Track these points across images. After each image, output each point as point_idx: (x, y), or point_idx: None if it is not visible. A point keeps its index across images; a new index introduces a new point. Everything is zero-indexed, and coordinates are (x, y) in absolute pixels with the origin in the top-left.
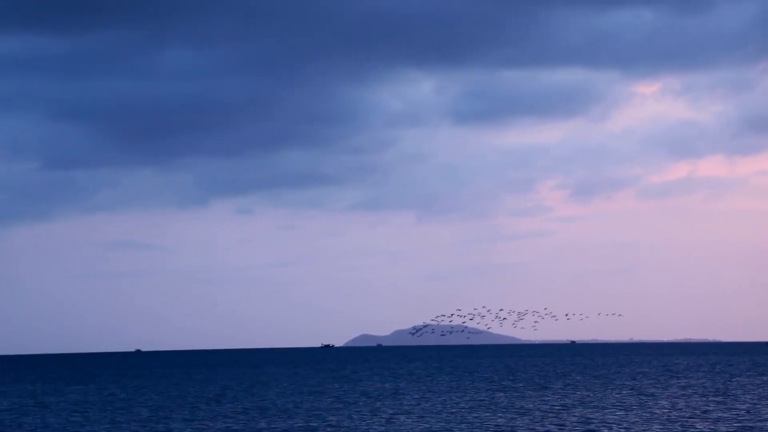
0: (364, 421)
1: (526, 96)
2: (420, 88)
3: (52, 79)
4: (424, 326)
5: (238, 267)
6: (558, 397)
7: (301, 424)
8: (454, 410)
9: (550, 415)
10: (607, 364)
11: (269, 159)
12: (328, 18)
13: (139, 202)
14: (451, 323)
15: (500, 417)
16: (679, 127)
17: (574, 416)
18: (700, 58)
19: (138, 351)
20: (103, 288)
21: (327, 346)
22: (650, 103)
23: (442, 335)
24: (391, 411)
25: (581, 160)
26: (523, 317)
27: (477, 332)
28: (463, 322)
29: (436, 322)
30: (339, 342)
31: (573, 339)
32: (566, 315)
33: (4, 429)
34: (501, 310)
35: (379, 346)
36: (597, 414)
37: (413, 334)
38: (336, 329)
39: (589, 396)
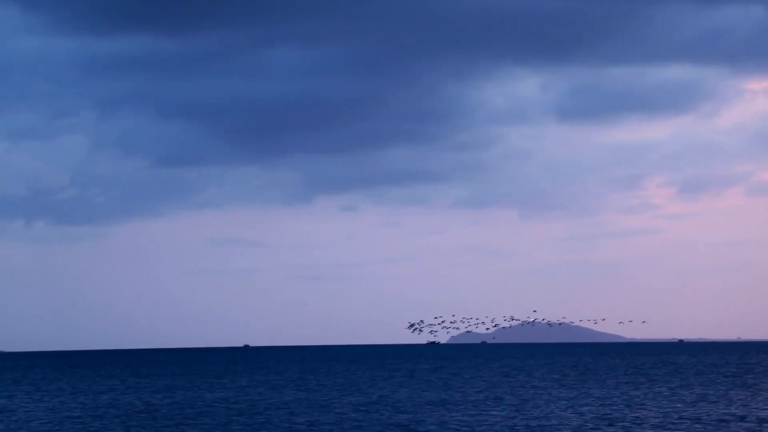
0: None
1: (633, 93)
2: (526, 86)
3: (162, 79)
4: (422, 325)
5: (343, 264)
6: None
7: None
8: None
9: None
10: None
11: (374, 157)
12: (434, 16)
13: (245, 200)
14: (444, 324)
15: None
16: None
17: None
18: None
19: (246, 346)
20: (210, 284)
21: (433, 343)
22: (760, 99)
23: (550, 326)
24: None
25: (689, 157)
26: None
27: (580, 329)
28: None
29: (437, 323)
30: (443, 339)
31: (680, 337)
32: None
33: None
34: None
35: (484, 343)
36: None
37: (412, 331)
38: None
39: None
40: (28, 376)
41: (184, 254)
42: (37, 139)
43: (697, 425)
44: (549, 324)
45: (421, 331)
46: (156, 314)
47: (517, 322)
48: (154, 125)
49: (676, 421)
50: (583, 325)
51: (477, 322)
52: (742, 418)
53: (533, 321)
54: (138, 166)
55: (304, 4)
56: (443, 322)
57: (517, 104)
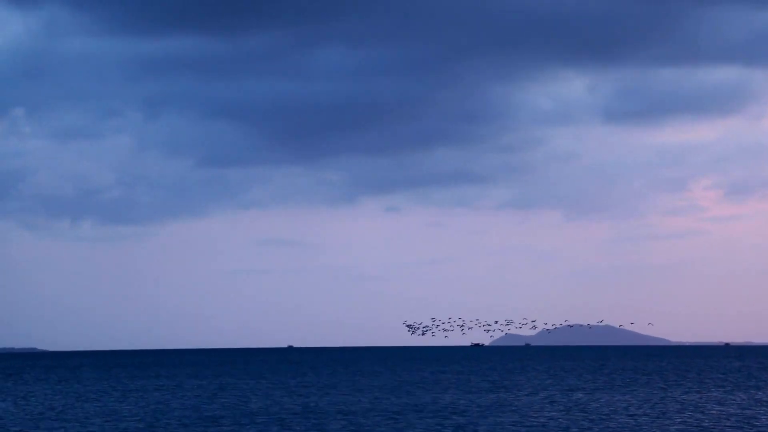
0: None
1: (681, 94)
2: (571, 87)
3: (208, 79)
4: (420, 325)
5: (387, 264)
6: None
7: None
8: None
9: None
10: None
11: (419, 157)
12: (481, 17)
13: (290, 200)
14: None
15: None
16: None
17: None
18: None
19: (290, 347)
20: (254, 284)
21: (477, 345)
22: None
23: (590, 327)
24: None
25: (737, 159)
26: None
27: (624, 332)
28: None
29: (434, 323)
30: (485, 341)
31: (726, 341)
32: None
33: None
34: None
35: (528, 345)
36: None
37: (411, 332)
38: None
39: None
40: (78, 376)
41: (229, 254)
42: (85, 139)
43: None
44: (590, 326)
45: (419, 331)
46: (200, 314)
47: (561, 324)
48: (200, 125)
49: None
50: (627, 327)
51: (477, 323)
52: None
53: (576, 324)
54: (184, 166)
55: (351, 4)
56: (441, 323)
57: (563, 105)
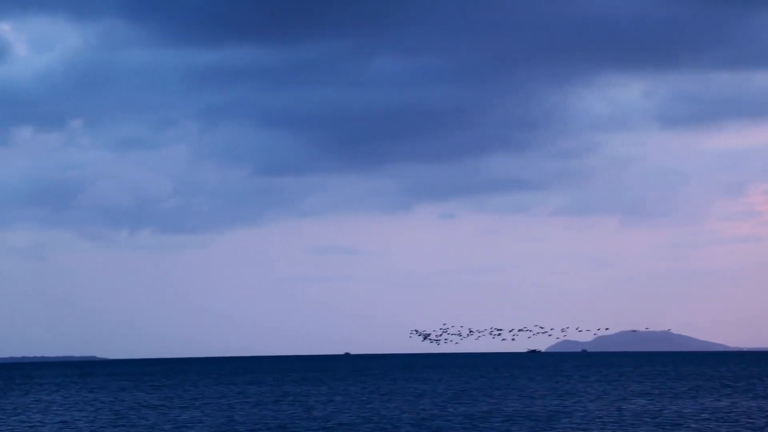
0: None
1: (738, 98)
2: (627, 92)
3: (264, 88)
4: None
5: (442, 271)
6: None
7: None
8: None
9: None
10: None
11: (474, 164)
12: (536, 24)
13: (345, 208)
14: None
15: None
16: None
17: None
18: None
19: (347, 354)
20: (310, 292)
21: (533, 351)
22: None
23: (647, 333)
24: None
25: None
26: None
27: (681, 337)
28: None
29: (443, 330)
30: (542, 347)
31: None
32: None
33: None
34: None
35: (584, 351)
36: None
37: (422, 340)
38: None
39: None
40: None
41: (284, 262)
42: (143, 150)
43: None
44: (647, 332)
45: (429, 339)
46: (256, 322)
47: (619, 330)
48: (256, 135)
49: None
50: (684, 333)
51: (489, 330)
52: None
53: (633, 329)
54: (240, 175)
55: (406, 13)
56: (448, 330)
57: (618, 111)
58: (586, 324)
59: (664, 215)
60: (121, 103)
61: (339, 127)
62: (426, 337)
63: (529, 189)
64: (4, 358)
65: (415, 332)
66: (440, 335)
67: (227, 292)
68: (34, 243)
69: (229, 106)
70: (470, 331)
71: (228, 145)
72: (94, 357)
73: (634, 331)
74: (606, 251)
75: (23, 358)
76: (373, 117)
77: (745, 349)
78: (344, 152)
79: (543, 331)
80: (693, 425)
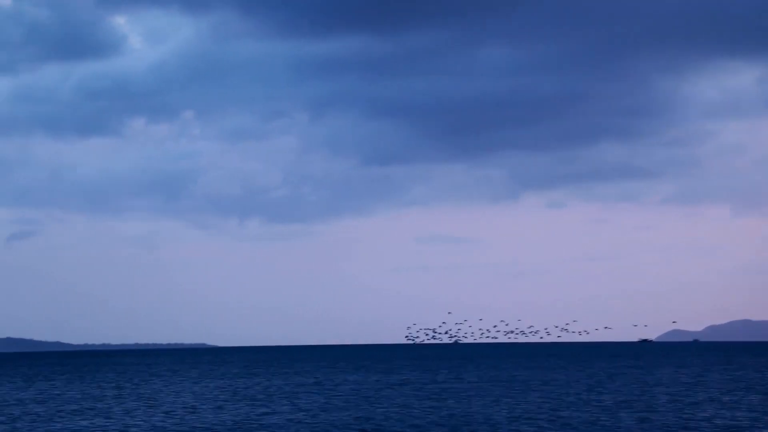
0: None
1: None
2: (741, 79)
3: (372, 78)
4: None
5: (550, 260)
6: None
7: None
8: None
9: None
10: None
11: (582, 153)
12: (644, 10)
13: (452, 197)
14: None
15: None
16: None
17: None
18: None
19: (456, 342)
20: (417, 280)
21: (644, 341)
22: None
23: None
24: None
25: None
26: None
27: None
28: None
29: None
30: (652, 336)
31: None
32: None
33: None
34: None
35: (696, 341)
36: None
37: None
38: (647, 323)
39: None
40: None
41: (391, 251)
42: (252, 140)
43: None
44: (760, 321)
45: (416, 339)
46: (363, 311)
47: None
48: (364, 125)
49: None
50: None
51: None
52: None
53: (744, 319)
54: (347, 165)
55: (513, 1)
56: (435, 330)
57: (731, 98)
58: (698, 314)
59: None
60: (231, 95)
61: (446, 117)
62: (414, 339)
63: (639, 177)
64: (117, 345)
65: (409, 335)
66: (420, 336)
67: (334, 281)
68: (146, 232)
69: (337, 97)
70: (447, 331)
71: (336, 136)
72: (204, 344)
73: (745, 320)
74: (716, 240)
75: (135, 344)
76: (480, 106)
77: None
78: (451, 141)
79: (532, 330)
80: None
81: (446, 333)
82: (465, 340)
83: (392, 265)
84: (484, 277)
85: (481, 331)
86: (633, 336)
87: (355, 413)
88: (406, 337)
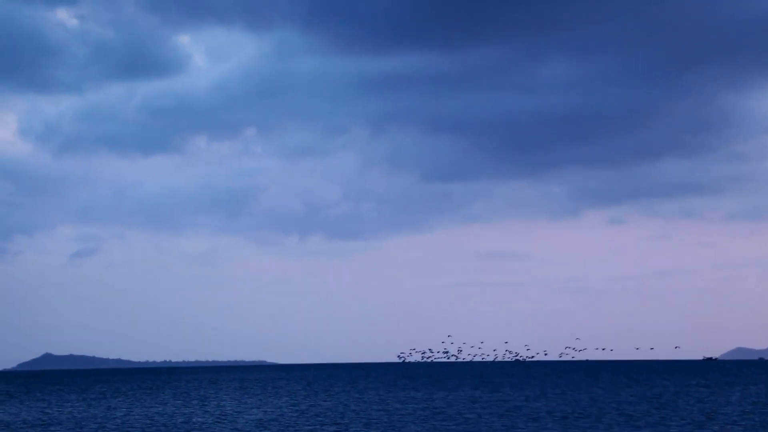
0: None
1: None
2: None
3: (433, 94)
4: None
5: (611, 277)
6: None
7: None
8: None
9: None
10: None
11: (644, 169)
12: (709, 25)
13: (512, 213)
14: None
15: None
16: None
17: None
18: None
19: (517, 360)
20: (478, 296)
21: (709, 359)
22: None
23: None
24: None
25: None
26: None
27: None
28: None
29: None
30: (716, 354)
31: None
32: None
33: None
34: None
35: (761, 359)
36: None
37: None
38: (710, 341)
39: None
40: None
41: (452, 267)
42: (313, 157)
43: None
44: None
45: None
46: (424, 327)
47: None
48: (425, 140)
49: None
50: None
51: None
52: None
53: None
54: (408, 181)
55: (577, 15)
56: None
57: None
58: (763, 332)
59: None
60: (292, 111)
61: (507, 133)
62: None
63: (702, 193)
64: (178, 363)
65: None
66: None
67: (395, 297)
68: (206, 249)
69: (398, 113)
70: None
71: (396, 152)
72: (263, 362)
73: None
74: None
75: (196, 362)
76: (541, 122)
77: None
78: (512, 158)
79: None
80: None
81: (509, 352)
82: (530, 359)
83: (453, 281)
84: (546, 293)
85: (546, 352)
86: (697, 354)
87: None
88: (469, 354)
